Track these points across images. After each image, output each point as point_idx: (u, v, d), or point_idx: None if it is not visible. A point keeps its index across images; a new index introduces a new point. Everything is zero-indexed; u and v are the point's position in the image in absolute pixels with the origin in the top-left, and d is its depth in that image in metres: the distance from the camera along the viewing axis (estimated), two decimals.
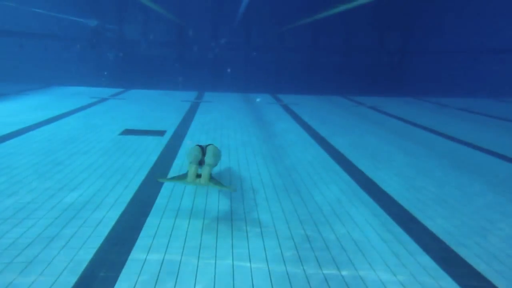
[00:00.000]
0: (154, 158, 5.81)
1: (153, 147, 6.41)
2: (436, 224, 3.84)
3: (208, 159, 4.08)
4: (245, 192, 4.55)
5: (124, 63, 16.02)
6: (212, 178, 3.98)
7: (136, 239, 3.32)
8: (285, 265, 3.01)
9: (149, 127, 8.04)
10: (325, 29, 16.27)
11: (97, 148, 6.18)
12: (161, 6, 15.08)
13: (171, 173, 5.13)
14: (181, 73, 16.17)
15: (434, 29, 16.14)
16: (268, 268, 2.96)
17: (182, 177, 4.06)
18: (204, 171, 3.88)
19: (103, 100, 11.81)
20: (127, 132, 7.52)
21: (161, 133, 7.55)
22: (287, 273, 2.90)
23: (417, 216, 4.04)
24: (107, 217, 3.70)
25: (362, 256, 3.18)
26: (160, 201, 4.19)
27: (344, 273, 2.94)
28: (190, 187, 4.54)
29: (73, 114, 9.21)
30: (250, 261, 3.04)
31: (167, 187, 4.57)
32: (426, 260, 3.16)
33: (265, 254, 3.16)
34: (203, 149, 4.31)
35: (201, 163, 4.10)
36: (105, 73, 15.88)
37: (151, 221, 3.69)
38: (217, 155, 4.43)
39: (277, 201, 4.31)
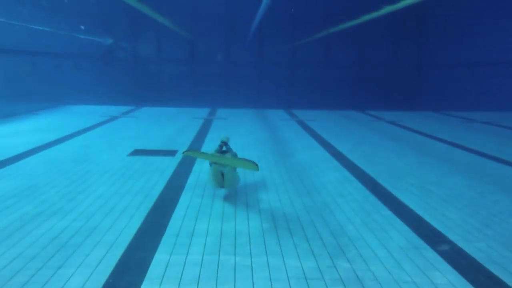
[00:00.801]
0: (164, 179, 5.40)
1: (164, 169, 6.00)
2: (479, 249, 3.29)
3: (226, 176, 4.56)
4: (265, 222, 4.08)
5: (137, 80, 15.86)
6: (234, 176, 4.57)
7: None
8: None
9: (160, 147, 7.67)
10: (339, 43, 15.92)
11: (101, 173, 5.79)
12: (174, 23, 14.95)
13: (183, 201, 4.69)
14: (193, 89, 15.93)
15: (452, 41, 15.61)
16: None
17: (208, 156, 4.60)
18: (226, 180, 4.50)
19: (113, 118, 11.54)
20: (137, 152, 7.14)
21: (172, 153, 7.16)
22: None
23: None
24: (106, 257, 3.26)
25: None
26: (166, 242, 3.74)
27: None
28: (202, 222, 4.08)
29: (80, 134, 8.90)
30: None
31: (175, 223, 4.12)
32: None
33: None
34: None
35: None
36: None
37: (159, 257, 3.23)
38: (236, 178, 4.79)
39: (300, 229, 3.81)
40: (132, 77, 15.88)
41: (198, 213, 4.23)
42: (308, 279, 2.92)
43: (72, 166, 6.04)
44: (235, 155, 4.75)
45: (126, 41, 16.08)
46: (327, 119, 12.49)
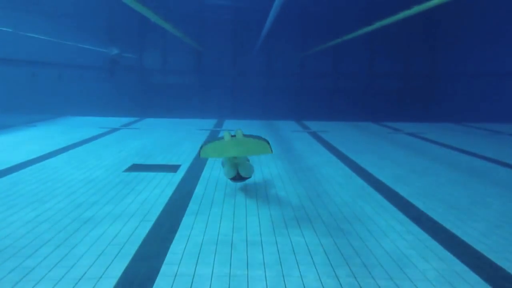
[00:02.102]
0: (163, 201, 4.62)
1: (164, 187, 5.23)
2: None
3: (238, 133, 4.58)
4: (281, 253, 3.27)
5: (141, 91, 15.26)
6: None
7: None
8: None
9: (161, 161, 6.91)
10: (348, 53, 15.26)
11: (92, 192, 5.03)
12: (181, 33, 14.37)
13: (185, 225, 3.90)
14: (200, 100, 15.28)
15: (467, 50, 14.85)
16: None
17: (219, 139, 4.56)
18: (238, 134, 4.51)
19: (113, 130, 10.82)
20: (134, 167, 6.38)
21: (174, 167, 6.39)
22: None
23: None
24: None
25: None
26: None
27: None
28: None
29: (73, 148, 8.17)
30: None
31: (175, 250, 3.33)
32: None
33: None
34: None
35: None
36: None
37: None
38: (250, 168, 4.97)
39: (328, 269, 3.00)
40: (136, 88, 15.27)
41: (200, 247, 3.43)
42: None
43: (55, 185, 5.29)
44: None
45: (132, 51, 15.54)
46: (341, 131, 11.69)
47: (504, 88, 14.73)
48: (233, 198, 4.83)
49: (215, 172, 6.22)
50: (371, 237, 3.69)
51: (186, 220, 4.04)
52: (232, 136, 4.50)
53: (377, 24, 10.67)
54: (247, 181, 5.56)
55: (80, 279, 2.82)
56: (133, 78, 15.28)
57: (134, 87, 15.25)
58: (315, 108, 15.18)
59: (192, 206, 4.49)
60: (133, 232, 3.69)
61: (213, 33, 15.23)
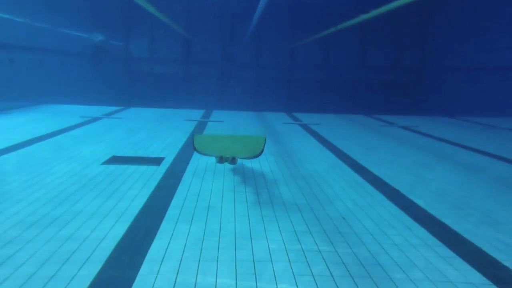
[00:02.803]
0: (142, 200, 4.16)
1: (144, 182, 4.77)
2: None
3: None
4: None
5: (126, 79, 14.64)
6: None
7: None
8: None
9: (144, 153, 6.42)
10: (339, 45, 14.87)
11: (65, 185, 4.54)
12: (168, 21, 13.76)
13: (164, 230, 3.46)
14: (187, 90, 14.74)
15: (459, 43, 14.59)
16: None
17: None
18: None
19: (94, 119, 10.25)
20: (114, 160, 5.89)
21: (157, 160, 5.92)
22: None
23: None
24: None
25: None
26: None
27: None
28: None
29: (48, 138, 7.61)
30: None
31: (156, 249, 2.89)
32: None
33: None
34: None
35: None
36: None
37: None
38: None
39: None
40: (121, 76, 14.66)
41: (182, 255, 3.00)
42: None
43: (22, 179, 4.78)
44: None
45: (118, 38, 14.88)
46: (334, 124, 11.31)
47: (492, 82, 14.52)
48: (220, 198, 4.39)
49: (201, 164, 5.78)
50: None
51: (166, 225, 3.59)
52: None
53: (368, 15, 10.40)
54: (236, 177, 5.14)
55: None
56: (118, 65, 14.65)
57: (119, 75, 14.63)
58: (305, 100, 14.78)
59: (173, 208, 4.04)
60: (105, 235, 3.24)
61: (201, 21, 14.67)
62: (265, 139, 4.89)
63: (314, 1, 14.60)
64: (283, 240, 3.28)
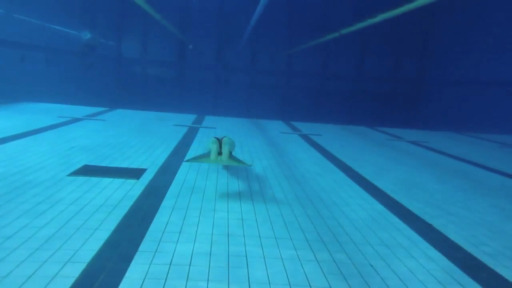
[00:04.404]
0: (109, 227, 3.21)
1: (116, 202, 3.82)
2: None
3: (224, 145, 4.54)
4: None
5: (115, 80, 13.69)
6: (231, 156, 4.61)
7: None
8: None
9: (122, 163, 5.47)
10: (337, 53, 14.15)
11: (18, 201, 3.58)
12: (163, 23, 12.85)
13: (134, 271, 2.52)
14: (179, 93, 13.83)
15: (460, 57, 13.96)
16: None
17: (206, 156, 4.67)
18: (224, 149, 4.49)
19: (73, 120, 9.25)
20: (85, 170, 4.93)
21: (137, 172, 4.98)
22: None
23: None
24: None
25: None
26: None
27: None
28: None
29: (14, 139, 6.61)
30: None
31: None
32: None
33: None
34: (219, 140, 4.65)
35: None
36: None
37: None
38: (232, 143, 4.94)
39: None
40: (110, 76, 13.69)
41: None
42: None
43: None
44: (230, 139, 4.91)
45: (109, 37, 13.97)
46: (336, 136, 10.46)
47: (496, 97, 13.83)
48: (210, 226, 3.47)
49: (190, 177, 4.86)
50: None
51: (135, 266, 2.66)
52: (219, 141, 4.64)
53: (366, 22, 9.94)
54: (231, 199, 4.23)
55: None
56: (107, 64, 13.70)
57: (107, 74, 13.68)
58: (301, 108, 13.97)
59: (148, 240, 3.11)
60: (53, 278, 2.29)
61: (197, 24, 13.85)
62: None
63: (312, 8, 13.90)
64: None
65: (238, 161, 4.66)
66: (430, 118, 13.88)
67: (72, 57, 13.56)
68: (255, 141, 8.40)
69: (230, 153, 4.63)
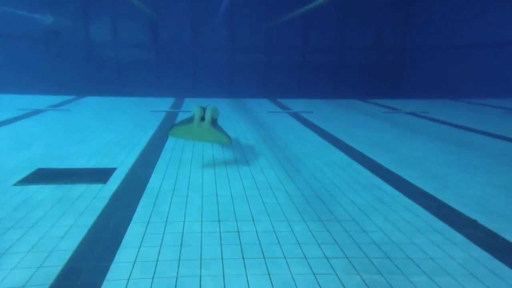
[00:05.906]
0: (67, 252, 2.33)
1: (76, 217, 2.93)
2: None
3: (207, 110, 4.52)
4: None
5: (82, 66, 12.39)
6: (214, 124, 4.60)
7: None
8: None
9: (86, 163, 4.53)
10: (318, 25, 13.15)
11: None
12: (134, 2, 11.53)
13: None
14: (154, 76, 12.69)
15: (449, 21, 13.14)
16: None
17: (189, 122, 4.62)
18: (207, 114, 4.47)
19: (34, 112, 8.13)
20: (38, 175, 3.98)
21: (105, 174, 4.06)
22: None
23: None
24: None
25: None
26: None
27: None
28: None
29: None
30: None
31: None
32: None
33: None
34: (203, 108, 4.59)
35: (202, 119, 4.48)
36: None
37: None
38: (216, 110, 4.81)
39: None
40: (76, 62, 12.38)
41: None
42: None
43: None
44: (215, 106, 4.74)
45: (74, 19, 12.57)
46: (329, 112, 9.65)
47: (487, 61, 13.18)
48: (193, 235, 2.63)
49: (169, 175, 4.00)
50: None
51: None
52: (202, 110, 4.54)
53: None
54: (220, 202, 3.39)
55: None
56: (74, 49, 12.39)
57: (73, 60, 12.37)
58: (283, 84, 13.06)
59: (116, 270, 2.25)
60: None
61: (169, 0, 12.56)
62: (229, 138, 4.58)
63: None
64: None
65: (219, 133, 4.53)
66: (419, 86, 13.18)
67: (34, 43, 12.19)
68: (241, 123, 7.51)
69: (214, 120, 4.64)
